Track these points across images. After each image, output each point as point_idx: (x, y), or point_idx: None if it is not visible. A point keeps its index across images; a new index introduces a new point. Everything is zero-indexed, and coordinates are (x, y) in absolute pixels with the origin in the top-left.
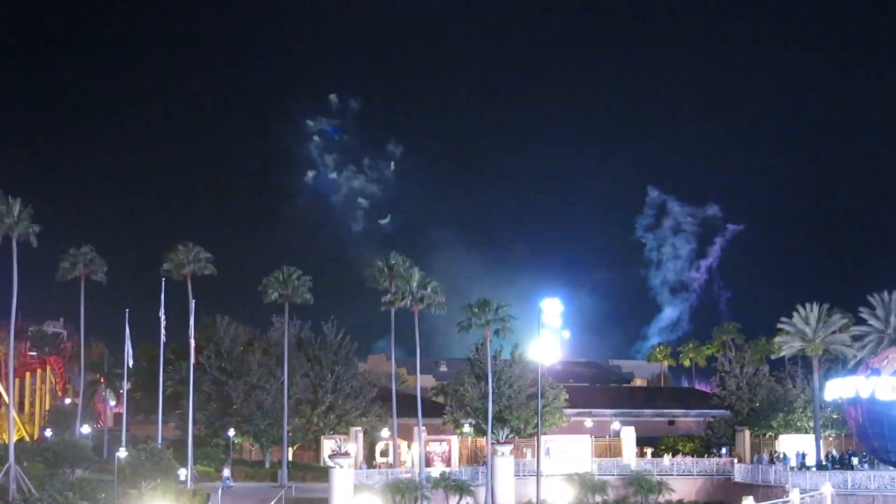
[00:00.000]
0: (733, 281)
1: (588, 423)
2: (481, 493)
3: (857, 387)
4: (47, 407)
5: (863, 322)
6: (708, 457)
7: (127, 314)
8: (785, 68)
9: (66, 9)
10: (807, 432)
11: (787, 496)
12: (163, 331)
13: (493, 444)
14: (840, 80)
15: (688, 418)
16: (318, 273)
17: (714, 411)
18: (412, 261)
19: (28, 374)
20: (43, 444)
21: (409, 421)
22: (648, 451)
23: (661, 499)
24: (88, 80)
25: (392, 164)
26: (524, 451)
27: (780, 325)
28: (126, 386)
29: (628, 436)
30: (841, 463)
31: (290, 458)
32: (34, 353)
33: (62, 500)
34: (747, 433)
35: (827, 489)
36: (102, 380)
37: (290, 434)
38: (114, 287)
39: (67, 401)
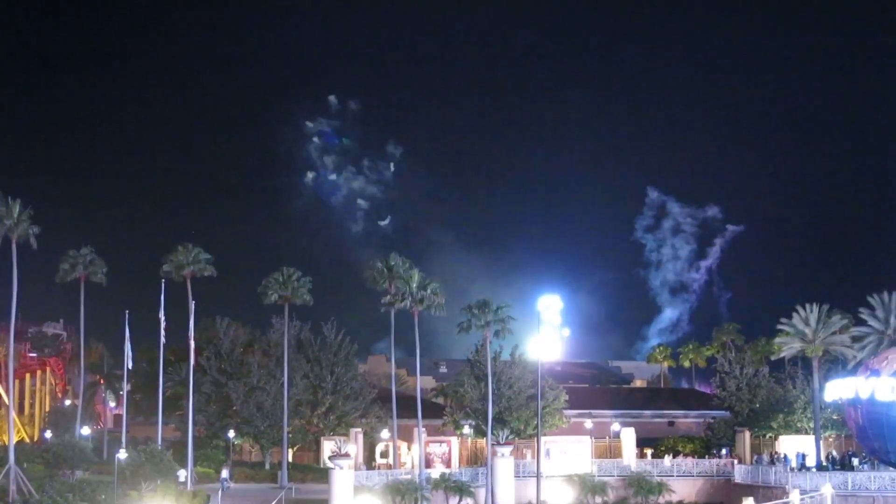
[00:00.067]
0: (733, 282)
1: (588, 424)
2: (481, 494)
3: (857, 388)
4: (47, 408)
5: (863, 323)
6: (708, 458)
7: (127, 315)
8: (785, 69)
9: (66, 10)
10: (807, 433)
11: (788, 497)
12: (162, 332)
13: (493, 445)
14: (840, 81)
15: (688, 419)
16: (318, 274)
17: (714, 412)
18: (412, 262)
19: (28, 375)
20: (43, 445)
21: (409, 422)
22: (648, 452)
23: (661, 500)
24: (89, 81)
25: (392, 165)
26: (524, 452)
27: (779, 326)
28: (126, 387)
29: (628, 437)
30: (841, 464)
31: (290, 459)
32: (34, 355)
33: (62, 502)
34: (747, 434)
35: (827, 490)
36: (102, 381)
37: (290, 435)
38: (114, 288)
39: (67, 402)
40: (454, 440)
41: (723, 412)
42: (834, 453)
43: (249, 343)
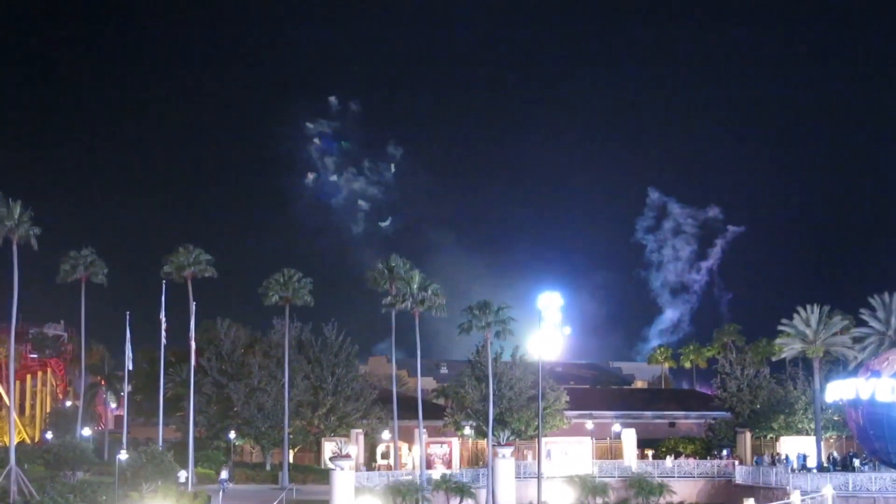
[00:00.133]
0: (734, 283)
1: (589, 425)
2: (482, 495)
3: (858, 388)
4: (48, 409)
5: (863, 324)
6: (709, 459)
7: (127, 317)
8: (785, 70)
9: (66, 11)
10: (808, 434)
11: (789, 498)
12: (163, 333)
13: (493, 446)
14: (841, 82)
15: (688, 420)
16: (319, 275)
17: (715, 413)
18: (412, 263)
19: (29, 376)
20: (44, 446)
21: (410, 423)
22: (649, 452)
23: (661, 501)
24: (89, 82)
25: (392, 166)
26: (525, 453)
27: (780, 327)
28: (127, 388)
29: (629, 438)
30: (843, 465)
31: (291, 460)
32: (35, 356)
33: (63, 503)
34: (748, 435)
35: (828, 491)
36: (103, 382)
37: (291, 436)
38: (114, 289)
39: (68, 403)
40: (455, 441)
41: (724, 413)
42: (835, 454)
43: (250, 344)
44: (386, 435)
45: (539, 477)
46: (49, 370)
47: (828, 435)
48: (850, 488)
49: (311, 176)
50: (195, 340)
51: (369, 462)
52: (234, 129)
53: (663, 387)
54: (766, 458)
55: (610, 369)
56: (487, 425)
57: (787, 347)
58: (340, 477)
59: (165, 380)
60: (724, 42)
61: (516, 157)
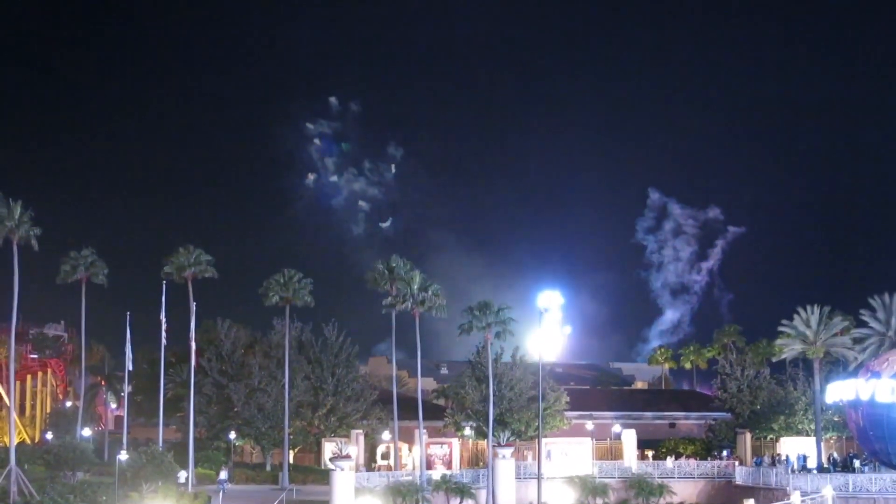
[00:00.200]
0: (734, 283)
1: (589, 425)
2: (482, 495)
3: (858, 389)
4: (48, 410)
5: (864, 324)
6: (709, 459)
7: (128, 317)
8: (786, 70)
9: (66, 11)
10: (808, 435)
11: (789, 499)
12: (164, 333)
13: (494, 446)
14: (841, 82)
15: (689, 421)
16: (319, 276)
17: (715, 414)
18: (413, 263)
19: (29, 376)
20: (44, 446)
21: (410, 423)
22: (649, 453)
23: (662, 501)
24: (89, 82)
25: (393, 166)
26: (525, 453)
27: (780, 328)
28: (127, 389)
29: (629, 438)
30: (843, 466)
31: (291, 460)
32: (35, 356)
33: (63, 503)
34: (748, 436)
35: (828, 492)
36: (103, 382)
37: (291, 437)
38: (115, 290)
39: (68, 403)
40: (455, 442)
41: (724, 414)
42: (835, 455)
43: (250, 344)
44: (386, 435)
45: (539, 477)
46: (49, 370)
47: (828, 436)
48: (851, 489)
49: (311, 176)
50: (195, 341)
51: (369, 463)
52: (234, 129)
53: (663, 387)
54: (767, 459)
55: (610, 370)
56: (488, 426)
57: (788, 348)
58: (340, 477)
59: (166, 380)
60: (724, 42)
61: (516, 157)
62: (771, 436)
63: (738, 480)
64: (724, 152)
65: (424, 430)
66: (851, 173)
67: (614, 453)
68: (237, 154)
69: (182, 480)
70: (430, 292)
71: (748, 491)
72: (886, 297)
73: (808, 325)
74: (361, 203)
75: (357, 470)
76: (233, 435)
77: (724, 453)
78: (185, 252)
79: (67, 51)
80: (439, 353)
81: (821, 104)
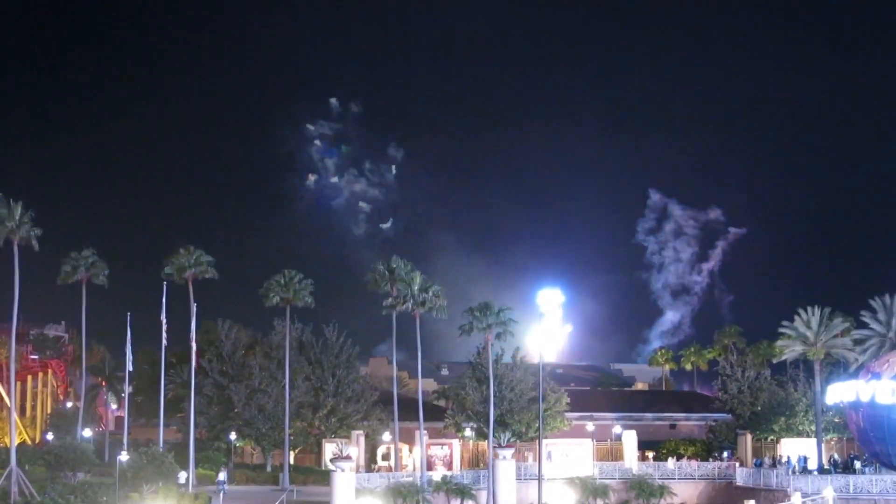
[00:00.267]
0: (735, 284)
1: (589, 426)
2: (483, 496)
3: (858, 391)
4: (49, 410)
5: (864, 326)
6: (710, 460)
7: (128, 318)
8: (786, 71)
9: (67, 11)
10: (808, 436)
11: (789, 500)
12: (164, 334)
13: (494, 447)
14: (841, 83)
15: (689, 422)
16: (320, 277)
17: (716, 415)
18: (413, 264)
19: (29, 377)
20: (44, 447)
21: (411, 424)
22: (650, 454)
23: (662, 502)
24: (90, 83)
25: (393, 167)
26: (526, 454)
27: (781, 329)
28: (127, 389)
29: (630, 439)
30: (843, 467)
31: (292, 461)
32: (36, 357)
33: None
34: (749, 437)
35: (829, 493)
36: (104, 383)
37: (292, 437)
38: (115, 290)
39: (69, 404)
40: (455, 443)
41: (724, 415)
42: (836, 456)
43: (251, 345)
44: (386, 436)
45: (540, 478)
46: (50, 371)
47: (828, 437)
48: (851, 490)
49: (311, 177)
50: (196, 341)
51: (370, 463)
52: (235, 130)
53: (664, 388)
54: (767, 460)
55: (611, 371)
56: (488, 427)
57: (788, 349)
58: (341, 478)
59: (166, 381)
60: (725, 42)
61: (517, 157)
62: (771, 437)
63: (739, 482)
64: (724, 153)
65: (425, 431)
66: (852, 174)
67: (615, 454)
68: (238, 155)
69: (182, 481)
70: (430, 293)
71: (749, 492)
72: (887, 298)
73: (808, 327)
74: (362, 204)
75: (357, 471)
76: (233, 436)
77: (725, 454)
78: (185, 253)
79: (67, 51)
80: (440, 354)
81: (821, 104)
